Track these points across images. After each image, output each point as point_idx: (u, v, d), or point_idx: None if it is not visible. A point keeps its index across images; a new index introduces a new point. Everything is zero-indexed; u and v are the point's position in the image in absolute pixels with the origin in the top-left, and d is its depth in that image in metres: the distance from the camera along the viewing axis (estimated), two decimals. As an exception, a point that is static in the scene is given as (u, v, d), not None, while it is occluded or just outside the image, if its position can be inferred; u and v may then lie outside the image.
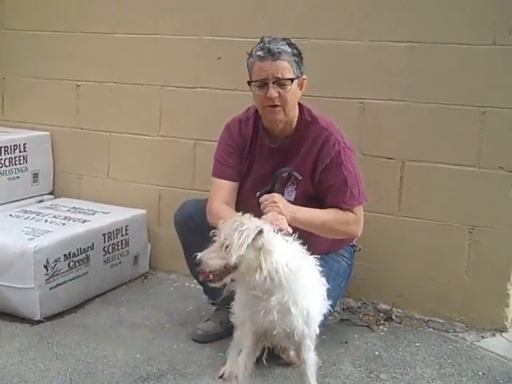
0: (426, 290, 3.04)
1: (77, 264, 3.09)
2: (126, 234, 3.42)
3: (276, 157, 2.61)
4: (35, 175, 3.81)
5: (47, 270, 2.93)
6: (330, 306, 2.53)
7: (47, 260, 2.93)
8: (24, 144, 3.72)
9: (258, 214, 2.37)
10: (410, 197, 3.03)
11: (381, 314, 3.10)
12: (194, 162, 3.48)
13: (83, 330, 2.88)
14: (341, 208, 2.50)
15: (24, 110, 3.95)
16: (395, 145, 3.03)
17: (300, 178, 2.57)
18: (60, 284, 3.00)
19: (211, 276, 2.04)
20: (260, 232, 2.00)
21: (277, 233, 2.13)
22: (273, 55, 2.43)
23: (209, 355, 2.68)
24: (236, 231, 1.97)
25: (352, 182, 2.51)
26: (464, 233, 2.94)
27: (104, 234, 3.27)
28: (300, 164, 2.56)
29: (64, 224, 3.24)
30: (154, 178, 3.61)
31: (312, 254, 2.28)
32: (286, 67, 2.45)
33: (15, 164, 3.68)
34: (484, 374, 2.60)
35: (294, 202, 2.49)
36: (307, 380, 2.18)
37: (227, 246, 1.98)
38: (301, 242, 2.20)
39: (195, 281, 2.92)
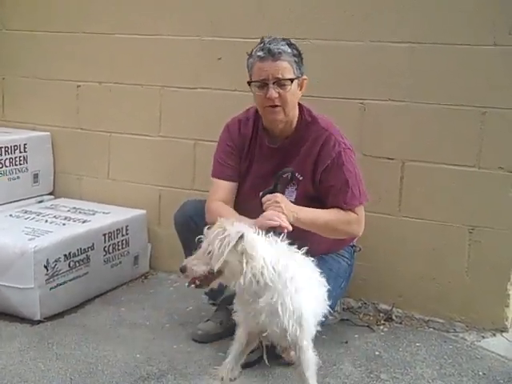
0: (426, 290, 3.04)
1: (77, 264, 3.09)
2: (127, 234, 3.42)
3: (276, 157, 2.62)
4: (35, 175, 3.81)
5: (47, 270, 2.93)
6: (330, 306, 2.54)
7: (47, 260, 2.93)
8: (24, 144, 3.72)
9: (259, 213, 2.38)
10: (411, 197, 3.03)
11: (381, 314, 3.10)
12: (194, 163, 3.48)
13: (83, 330, 2.88)
14: (342, 208, 2.51)
15: (24, 111, 3.95)
16: (395, 145, 3.03)
17: (301, 178, 2.57)
18: (60, 284, 3.00)
19: (197, 282, 2.08)
20: (241, 237, 2.02)
21: (272, 232, 2.17)
22: (273, 55, 2.43)
23: (209, 355, 2.68)
24: (218, 237, 2.00)
25: (353, 182, 2.51)
26: (464, 233, 2.94)
27: (104, 234, 3.27)
28: (300, 164, 2.56)
29: (64, 224, 3.24)
30: (154, 179, 3.61)
31: (312, 254, 2.29)
32: (286, 67, 2.45)
33: (15, 164, 3.68)
34: (484, 374, 2.60)
35: (295, 203, 2.49)
36: (306, 380, 2.18)
37: (209, 253, 2.02)
38: (300, 241, 2.21)
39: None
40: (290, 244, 2.19)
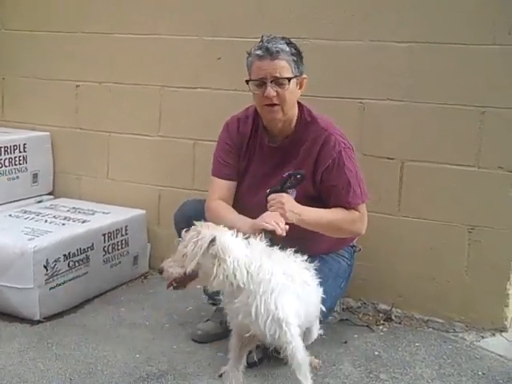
0: (425, 289, 3.04)
1: (76, 264, 3.09)
2: (126, 234, 3.42)
3: (275, 156, 2.62)
4: (35, 175, 3.81)
5: (47, 270, 2.93)
6: (330, 306, 2.54)
7: (47, 260, 2.93)
8: (24, 144, 3.72)
9: (261, 211, 2.38)
10: (410, 197, 3.03)
11: (380, 314, 3.10)
12: (193, 162, 3.48)
13: (83, 330, 2.88)
14: (345, 208, 2.51)
15: (24, 111, 3.94)
16: (395, 145, 3.03)
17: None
18: (60, 284, 3.00)
19: (174, 283, 2.15)
20: (213, 240, 2.05)
21: (264, 234, 2.20)
22: (271, 54, 2.43)
23: (209, 355, 2.68)
24: (192, 240, 2.05)
25: (354, 181, 2.52)
26: (464, 233, 2.94)
27: (104, 234, 3.27)
28: (300, 164, 2.55)
29: (64, 224, 3.24)
30: (154, 178, 3.61)
31: (313, 254, 2.29)
32: (284, 66, 2.45)
33: (15, 164, 3.68)
34: (484, 373, 2.60)
35: (295, 203, 2.49)
36: (300, 381, 2.17)
37: (184, 255, 2.06)
38: (301, 241, 2.21)
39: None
40: (290, 244, 2.20)
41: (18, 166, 3.69)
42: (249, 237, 2.17)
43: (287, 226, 2.34)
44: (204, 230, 2.08)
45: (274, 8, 3.19)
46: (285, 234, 2.29)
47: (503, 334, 2.91)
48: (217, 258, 2.05)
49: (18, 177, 3.70)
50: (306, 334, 2.37)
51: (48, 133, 3.87)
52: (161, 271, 2.14)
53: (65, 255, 3.02)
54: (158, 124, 3.57)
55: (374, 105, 3.04)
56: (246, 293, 2.08)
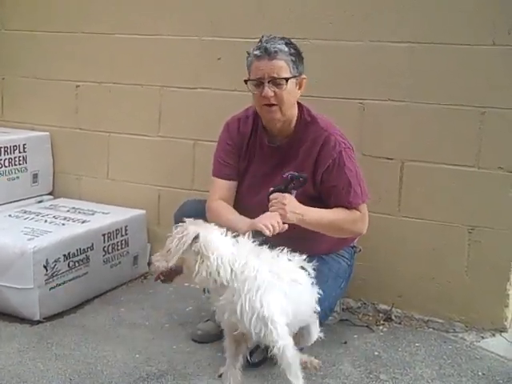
0: (425, 290, 3.04)
1: (76, 264, 3.09)
2: (126, 235, 3.42)
3: (275, 157, 2.62)
4: (35, 175, 3.81)
5: (47, 270, 2.93)
6: (330, 306, 2.54)
7: (47, 260, 2.93)
8: (24, 144, 3.72)
9: (261, 210, 2.38)
10: (410, 197, 3.03)
11: (380, 314, 3.10)
12: (193, 163, 3.48)
13: (83, 331, 2.88)
14: (346, 208, 2.52)
15: (24, 111, 3.94)
16: (395, 145, 3.03)
17: (300, 179, 2.56)
18: (59, 284, 3.00)
19: (161, 277, 2.17)
20: (197, 237, 2.07)
21: (254, 234, 2.20)
22: (269, 54, 2.43)
23: (208, 355, 2.68)
24: (177, 236, 2.08)
25: (354, 181, 2.52)
26: (464, 233, 2.94)
27: (104, 235, 3.27)
28: (300, 165, 2.56)
29: (63, 224, 3.24)
30: (154, 179, 3.61)
31: (313, 254, 2.29)
32: (282, 66, 2.45)
33: (15, 164, 3.68)
34: (484, 374, 2.60)
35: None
36: (290, 381, 2.15)
37: (168, 250, 2.09)
38: (301, 241, 2.21)
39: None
40: (290, 244, 2.19)
41: (17, 166, 3.69)
42: (238, 235, 2.18)
43: (286, 226, 2.34)
44: (190, 227, 2.10)
45: (273, 8, 3.19)
46: (271, 235, 2.27)
47: (503, 334, 2.91)
48: (199, 255, 2.07)
49: (17, 177, 3.70)
50: (304, 335, 2.37)
51: (48, 133, 3.87)
52: (149, 264, 2.20)
53: (65, 255, 3.02)
54: (157, 124, 3.57)
55: (374, 105, 3.04)
56: (230, 291, 2.09)
